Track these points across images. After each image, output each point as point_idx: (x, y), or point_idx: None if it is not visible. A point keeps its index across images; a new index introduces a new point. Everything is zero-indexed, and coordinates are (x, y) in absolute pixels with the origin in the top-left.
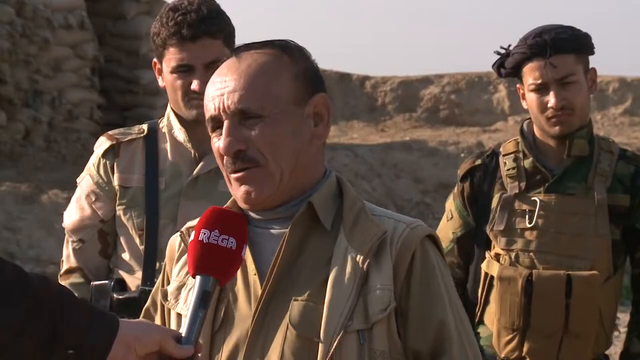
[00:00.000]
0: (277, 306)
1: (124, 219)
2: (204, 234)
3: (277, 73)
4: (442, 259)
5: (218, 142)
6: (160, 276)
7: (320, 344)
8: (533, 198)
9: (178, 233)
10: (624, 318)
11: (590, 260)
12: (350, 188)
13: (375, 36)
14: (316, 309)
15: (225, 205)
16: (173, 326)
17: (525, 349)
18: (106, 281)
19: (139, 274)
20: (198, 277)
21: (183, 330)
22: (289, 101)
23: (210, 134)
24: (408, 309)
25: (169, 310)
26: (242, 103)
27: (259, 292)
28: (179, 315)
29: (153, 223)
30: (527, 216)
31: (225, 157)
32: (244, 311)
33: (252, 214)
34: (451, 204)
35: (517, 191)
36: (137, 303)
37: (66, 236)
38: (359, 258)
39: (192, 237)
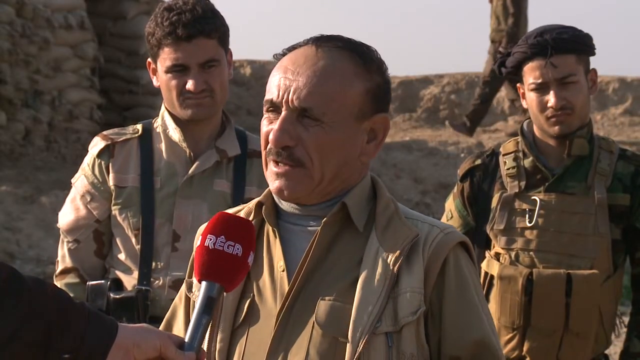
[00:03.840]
0: (304, 304)
1: (119, 218)
2: (210, 239)
3: (350, 84)
4: (473, 266)
5: (269, 127)
6: (189, 267)
7: (347, 345)
8: (533, 197)
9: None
10: (623, 318)
11: (591, 259)
12: (385, 190)
13: (374, 36)
14: (344, 309)
15: (259, 197)
16: None
17: (525, 348)
18: (102, 281)
19: (135, 274)
20: (203, 283)
21: (186, 336)
22: (352, 114)
23: (264, 112)
24: (442, 316)
25: (194, 302)
26: (307, 103)
27: (286, 288)
28: None
29: (149, 223)
30: (527, 215)
31: (270, 144)
32: (269, 307)
33: (284, 208)
34: (451, 204)
35: (517, 190)
36: (133, 303)
37: (61, 236)
38: (390, 260)
39: (199, 243)
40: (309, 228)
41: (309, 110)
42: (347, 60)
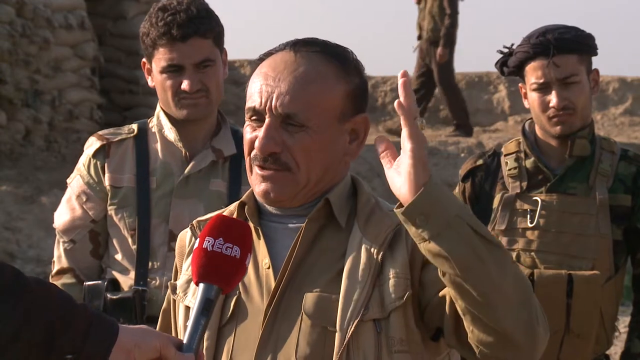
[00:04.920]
0: (291, 299)
1: (115, 219)
2: (208, 241)
3: (331, 87)
4: None
5: (252, 134)
6: (173, 271)
7: (336, 333)
8: (534, 198)
9: (188, 227)
10: (624, 318)
11: (592, 260)
12: (365, 186)
13: (375, 36)
14: (331, 299)
15: (242, 198)
16: (180, 318)
17: None
18: (99, 281)
19: (131, 274)
20: (201, 285)
21: (184, 338)
22: (335, 117)
23: (245, 119)
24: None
25: (177, 304)
26: (290, 109)
27: (272, 285)
28: (187, 308)
29: (145, 223)
30: (528, 216)
31: (255, 151)
32: (256, 304)
33: (267, 208)
34: None
35: (518, 191)
36: (130, 303)
37: (57, 237)
38: (374, 249)
39: (196, 245)
40: (291, 225)
41: (293, 116)
42: (326, 65)
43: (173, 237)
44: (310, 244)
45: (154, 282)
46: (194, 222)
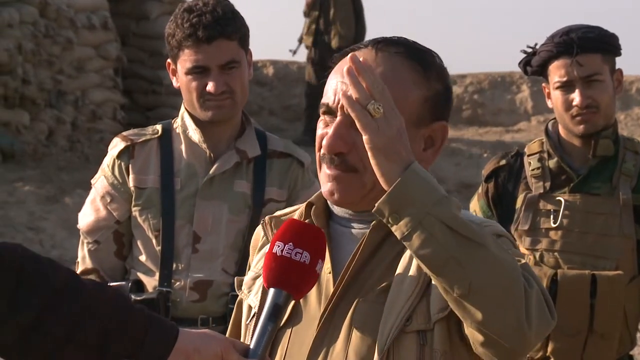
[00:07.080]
0: (346, 307)
1: (140, 220)
2: (278, 246)
3: (409, 92)
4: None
5: (323, 130)
6: (248, 265)
7: (377, 344)
8: (558, 198)
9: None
10: None
11: (615, 260)
12: None
13: (397, 35)
14: (380, 310)
15: (310, 198)
16: (244, 316)
17: (549, 348)
18: (123, 282)
19: (156, 275)
20: (271, 290)
21: (251, 343)
22: (409, 122)
23: (320, 114)
24: None
25: (241, 300)
26: None
27: (331, 291)
28: (250, 307)
29: (169, 224)
30: (551, 216)
31: (323, 149)
32: (313, 309)
33: (336, 211)
34: (475, 204)
35: (541, 191)
36: (154, 304)
37: (81, 237)
38: None
39: (267, 249)
40: (358, 231)
41: None
42: (406, 68)
43: (197, 239)
44: (373, 252)
45: (178, 283)
46: (266, 217)
